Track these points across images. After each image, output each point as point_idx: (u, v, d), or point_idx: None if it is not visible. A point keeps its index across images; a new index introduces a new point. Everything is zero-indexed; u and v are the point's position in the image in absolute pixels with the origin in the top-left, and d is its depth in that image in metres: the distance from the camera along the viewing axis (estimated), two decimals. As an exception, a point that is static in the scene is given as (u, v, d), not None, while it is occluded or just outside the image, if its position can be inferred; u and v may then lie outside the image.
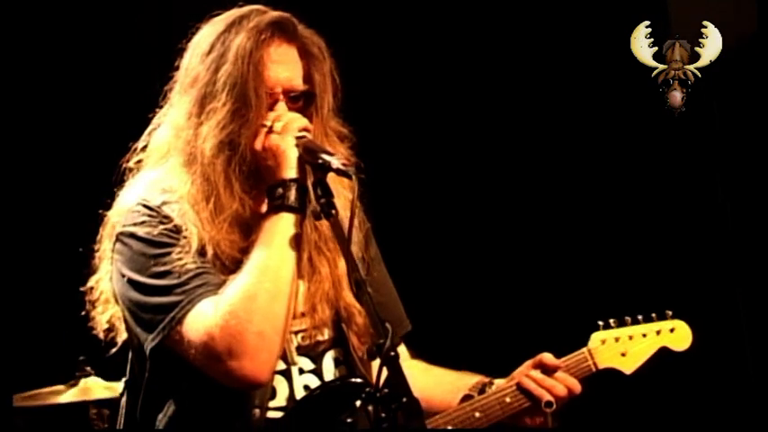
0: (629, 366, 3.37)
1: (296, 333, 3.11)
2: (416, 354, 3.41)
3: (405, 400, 2.66)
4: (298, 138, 3.01)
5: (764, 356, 5.19)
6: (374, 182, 3.03)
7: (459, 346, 4.98)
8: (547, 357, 3.25)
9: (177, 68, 3.18)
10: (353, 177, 2.84)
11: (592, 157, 5.45)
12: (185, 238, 2.99)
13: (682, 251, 5.34)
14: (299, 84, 3.10)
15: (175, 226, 3.01)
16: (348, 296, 3.13)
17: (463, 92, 5.49)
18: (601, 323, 3.38)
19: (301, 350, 3.12)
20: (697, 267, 5.32)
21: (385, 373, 2.68)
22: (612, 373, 3.38)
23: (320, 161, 2.92)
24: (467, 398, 3.23)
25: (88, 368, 4.69)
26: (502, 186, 5.50)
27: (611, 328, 3.37)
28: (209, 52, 3.08)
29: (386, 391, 2.68)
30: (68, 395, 4.67)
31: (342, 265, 3.11)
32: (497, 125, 5.50)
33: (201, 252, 3.00)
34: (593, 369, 3.31)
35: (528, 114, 5.48)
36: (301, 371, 3.11)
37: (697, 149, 5.20)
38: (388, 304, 3.26)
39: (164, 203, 3.05)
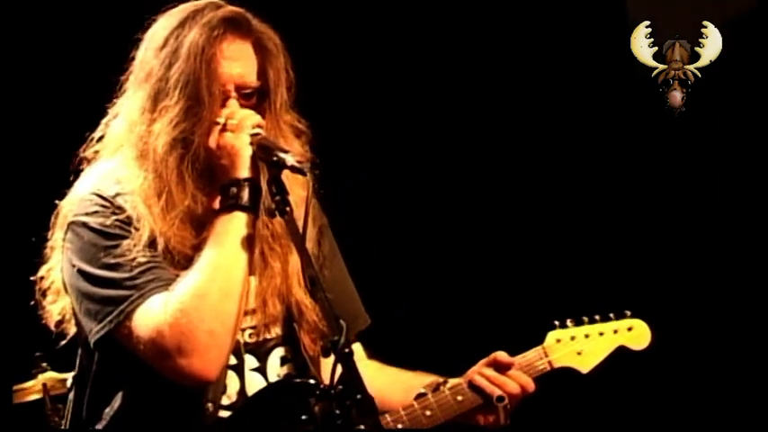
0: (585, 365, 3.35)
1: (243, 330, 3.09)
2: (372, 354, 3.39)
3: (359, 397, 2.65)
4: (252, 135, 2.99)
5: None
6: (332, 178, 3.02)
7: (415, 346, 5.01)
8: (500, 355, 3.24)
9: (133, 59, 3.16)
10: (308, 174, 2.83)
11: (571, 156, 5.48)
12: (137, 230, 2.97)
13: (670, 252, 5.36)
14: (252, 80, 3.08)
15: (128, 217, 2.99)
16: (300, 292, 3.12)
17: (438, 87, 5.49)
18: (557, 322, 3.36)
19: (248, 347, 3.10)
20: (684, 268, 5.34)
21: (339, 369, 2.67)
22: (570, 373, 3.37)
23: (275, 158, 2.90)
24: (420, 396, 3.20)
25: (44, 364, 4.63)
26: (466, 185, 5.49)
27: (567, 327, 3.36)
28: (163, 47, 3.06)
29: (340, 387, 2.67)
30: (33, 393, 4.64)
31: (293, 260, 3.10)
32: (466, 119, 5.50)
33: (152, 245, 2.97)
34: (548, 368, 3.29)
35: (496, 107, 5.48)
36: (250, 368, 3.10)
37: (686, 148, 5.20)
38: (343, 301, 3.22)
39: (117, 194, 3.02)
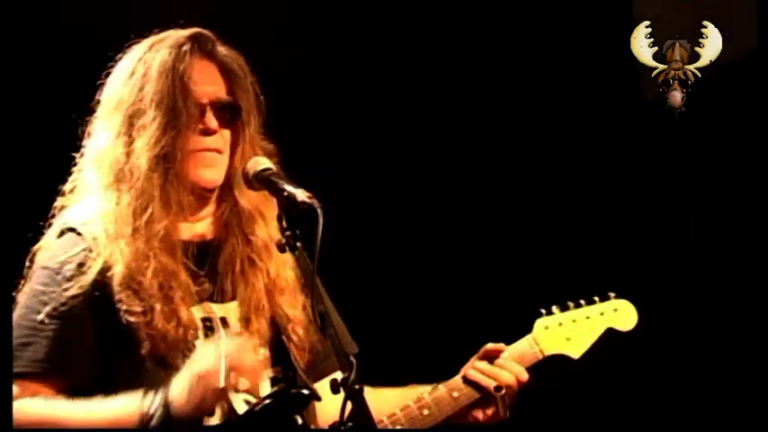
0: (575, 351, 3.35)
1: None
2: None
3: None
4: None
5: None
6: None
7: (414, 346, 5.01)
8: (489, 346, 3.25)
9: (98, 103, 3.19)
10: (319, 211, 2.81)
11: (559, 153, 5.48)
12: (87, 265, 3.00)
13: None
14: (223, 96, 3.14)
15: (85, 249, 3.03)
16: (287, 307, 3.14)
17: (438, 87, 5.47)
18: (543, 310, 3.37)
19: None
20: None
21: (349, 406, 2.70)
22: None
23: (285, 194, 2.89)
24: (418, 398, 3.20)
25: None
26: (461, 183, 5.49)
27: (554, 314, 3.36)
28: (132, 74, 3.12)
29: (350, 424, 2.71)
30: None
31: (277, 275, 3.13)
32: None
33: (104, 271, 3.00)
34: (540, 356, 3.30)
35: (494, 104, 5.47)
36: (236, 390, 3.07)
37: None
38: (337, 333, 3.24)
39: (83, 223, 3.08)
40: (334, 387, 2.74)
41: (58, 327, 2.99)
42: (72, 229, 3.09)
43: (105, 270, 3.01)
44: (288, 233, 2.88)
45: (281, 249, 2.90)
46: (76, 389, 2.97)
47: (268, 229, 3.16)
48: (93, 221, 3.07)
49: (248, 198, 3.16)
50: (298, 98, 5.01)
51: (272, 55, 4.85)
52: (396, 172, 5.40)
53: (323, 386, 3.14)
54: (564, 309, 3.38)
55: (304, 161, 3.22)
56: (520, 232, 5.44)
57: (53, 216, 3.19)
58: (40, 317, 2.99)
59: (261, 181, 3.00)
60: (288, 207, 2.88)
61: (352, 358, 2.72)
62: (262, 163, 3.02)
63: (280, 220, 2.89)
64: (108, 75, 3.20)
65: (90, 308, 3.01)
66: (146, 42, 3.18)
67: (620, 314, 3.42)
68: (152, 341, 2.97)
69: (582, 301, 3.41)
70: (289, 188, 2.90)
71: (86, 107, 3.24)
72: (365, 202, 5.26)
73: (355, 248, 3.24)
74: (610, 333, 3.41)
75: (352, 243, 3.34)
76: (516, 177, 5.46)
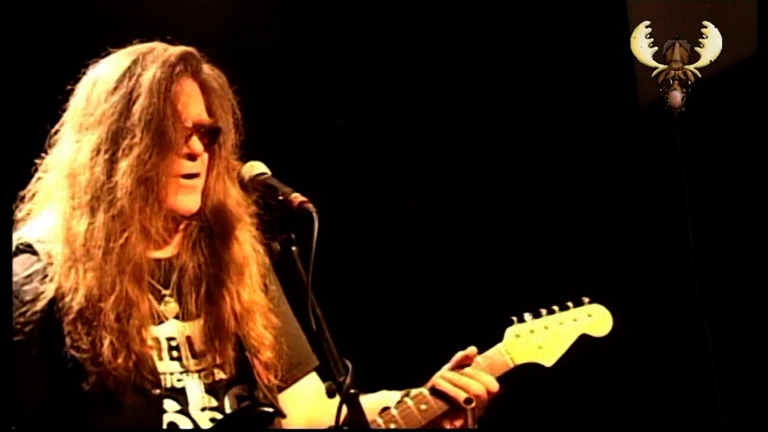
0: (547, 359, 3.28)
1: (199, 372, 3.05)
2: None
3: None
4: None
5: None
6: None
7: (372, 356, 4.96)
8: (458, 355, 3.19)
9: (65, 110, 3.11)
10: (314, 216, 2.79)
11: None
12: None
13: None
14: (206, 118, 3.08)
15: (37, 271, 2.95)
16: (256, 327, 3.10)
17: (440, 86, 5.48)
18: (515, 318, 3.30)
19: (206, 388, 3.05)
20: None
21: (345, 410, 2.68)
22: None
23: (280, 197, 2.87)
24: (384, 410, 3.13)
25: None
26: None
27: (525, 321, 3.30)
28: (116, 89, 3.02)
29: (345, 429, 2.71)
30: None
31: (246, 297, 3.09)
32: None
33: (56, 300, 2.91)
34: (510, 365, 3.23)
35: (492, 103, 5.48)
36: (203, 408, 3.03)
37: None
38: (297, 342, 3.22)
39: (38, 241, 3.00)
40: (330, 392, 2.72)
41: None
42: (28, 247, 3.01)
43: (58, 298, 2.93)
44: (283, 237, 2.85)
45: (276, 254, 2.87)
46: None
47: (242, 251, 3.11)
48: (51, 239, 2.99)
49: (221, 220, 3.10)
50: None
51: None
52: (385, 173, 5.36)
53: (299, 391, 3.20)
54: (537, 316, 3.31)
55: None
56: (520, 233, 5.43)
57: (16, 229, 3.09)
58: None
59: (256, 185, 2.97)
60: (283, 211, 2.86)
61: (347, 363, 2.70)
62: (257, 167, 2.99)
63: (274, 224, 2.87)
64: (78, 81, 3.11)
65: (42, 339, 2.92)
66: (127, 54, 3.08)
67: (595, 320, 3.36)
68: (98, 377, 2.89)
69: (555, 308, 3.34)
70: (284, 192, 2.87)
71: (49, 110, 3.15)
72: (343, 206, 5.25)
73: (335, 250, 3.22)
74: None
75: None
76: (512, 179, 5.46)
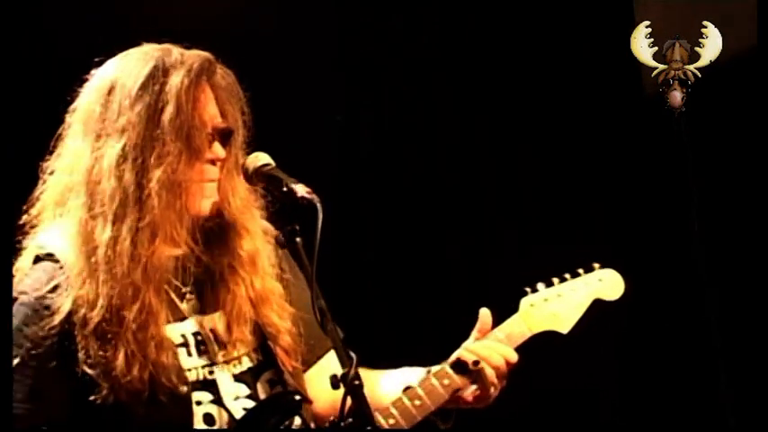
0: (564, 326, 3.31)
1: (226, 362, 3.08)
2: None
3: (369, 429, 2.71)
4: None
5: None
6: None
7: (392, 337, 5.00)
8: (477, 328, 3.23)
9: (69, 113, 3.08)
10: (318, 206, 2.81)
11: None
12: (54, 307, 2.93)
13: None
14: (221, 121, 3.09)
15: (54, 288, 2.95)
16: (272, 315, 3.12)
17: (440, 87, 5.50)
18: (528, 288, 3.33)
19: (235, 377, 3.08)
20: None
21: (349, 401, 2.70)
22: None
23: (285, 189, 2.89)
24: (407, 388, 3.16)
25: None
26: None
27: (539, 291, 3.33)
28: (140, 97, 2.99)
29: (350, 420, 2.72)
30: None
31: (261, 285, 3.11)
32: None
33: (73, 312, 2.92)
34: (528, 334, 3.26)
35: (491, 102, 5.49)
36: (237, 398, 3.06)
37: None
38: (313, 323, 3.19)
39: (61, 251, 2.98)
40: (335, 383, 2.73)
41: (34, 374, 2.92)
42: (50, 256, 2.99)
43: (73, 310, 2.92)
44: (288, 228, 2.87)
45: (281, 245, 2.89)
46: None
47: (253, 242, 3.13)
48: (71, 249, 2.97)
49: (231, 214, 3.11)
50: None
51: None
52: (387, 162, 5.39)
53: (320, 371, 3.21)
54: (549, 285, 3.34)
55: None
56: (521, 229, 5.46)
57: (23, 233, 3.07)
58: (17, 360, 2.91)
59: (261, 176, 2.99)
60: (287, 202, 2.88)
61: (352, 354, 2.72)
62: (261, 158, 3.02)
63: (279, 215, 2.90)
64: (82, 83, 3.08)
65: (60, 352, 2.93)
66: (144, 59, 3.05)
67: (606, 284, 3.39)
68: (111, 390, 2.90)
69: (567, 275, 3.37)
70: (289, 183, 2.90)
71: (49, 110, 3.15)
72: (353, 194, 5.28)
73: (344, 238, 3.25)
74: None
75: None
76: (516, 174, 5.48)
